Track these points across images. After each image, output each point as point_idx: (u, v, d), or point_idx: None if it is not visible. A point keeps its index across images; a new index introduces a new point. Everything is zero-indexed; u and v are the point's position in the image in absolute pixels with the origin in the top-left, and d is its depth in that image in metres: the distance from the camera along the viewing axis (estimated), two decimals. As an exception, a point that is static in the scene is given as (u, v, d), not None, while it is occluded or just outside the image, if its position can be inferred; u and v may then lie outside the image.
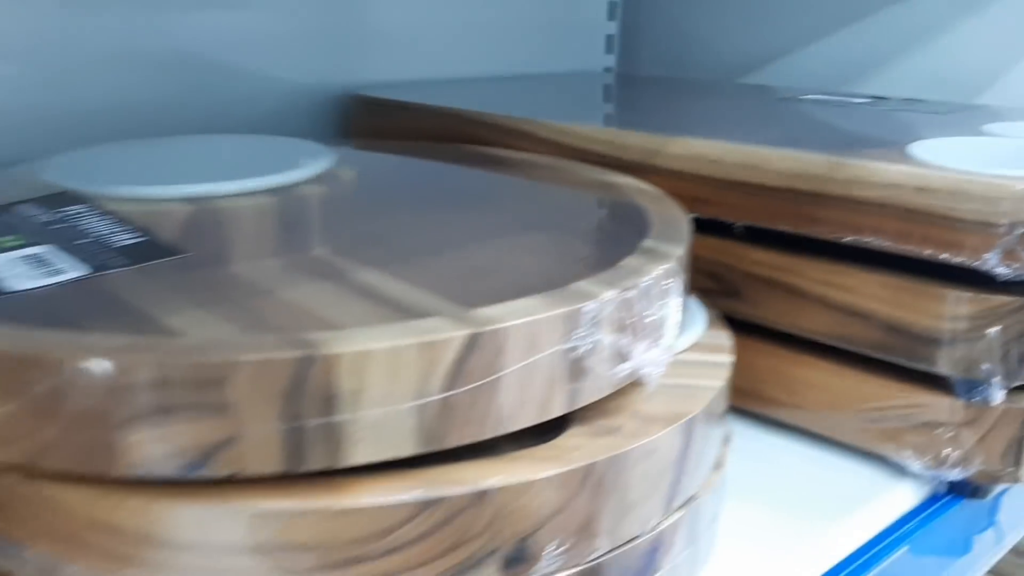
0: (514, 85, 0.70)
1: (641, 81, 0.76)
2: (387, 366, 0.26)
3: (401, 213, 0.40)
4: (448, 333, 0.26)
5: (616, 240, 0.35)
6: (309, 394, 0.25)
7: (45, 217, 0.35)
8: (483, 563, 0.27)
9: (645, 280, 0.31)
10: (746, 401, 0.45)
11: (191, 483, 0.26)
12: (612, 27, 0.84)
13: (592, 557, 0.29)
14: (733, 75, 0.79)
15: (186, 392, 0.25)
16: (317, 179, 0.43)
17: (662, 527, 0.31)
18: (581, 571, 0.29)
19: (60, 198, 0.37)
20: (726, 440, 0.37)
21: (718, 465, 0.35)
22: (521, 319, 0.27)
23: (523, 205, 0.42)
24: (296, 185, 0.42)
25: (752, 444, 0.44)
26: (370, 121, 0.61)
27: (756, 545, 0.37)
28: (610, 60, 0.84)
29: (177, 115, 0.58)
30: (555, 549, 0.28)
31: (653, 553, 0.31)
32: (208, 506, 0.25)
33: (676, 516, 0.32)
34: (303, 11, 0.64)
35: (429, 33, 0.71)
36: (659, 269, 0.32)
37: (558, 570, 0.29)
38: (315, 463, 0.26)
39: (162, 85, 0.57)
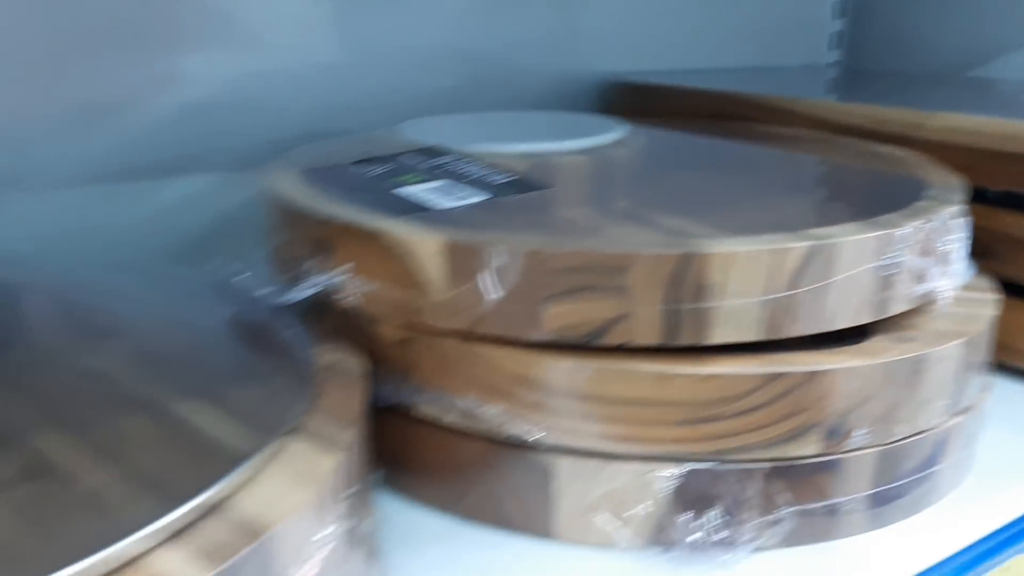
0: (751, 74, 0.76)
1: (871, 73, 0.80)
2: (746, 266, 0.33)
3: (690, 173, 0.47)
4: (794, 244, 0.33)
5: (900, 192, 0.41)
6: (687, 284, 0.33)
7: (427, 163, 0.44)
8: (808, 433, 0.34)
9: (939, 216, 0.37)
10: (997, 353, 0.49)
11: (591, 348, 0.34)
12: (837, 24, 0.89)
13: (891, 440, 0.36)
14: (954, 70, 0.83)
15: (595, 277, 0.33)
16: (617, 144, 0.51)
17: (946, 426, 0.37)
18: (882, 451, 0.36)
19: (431, 151, 0.46)
20: (990, 370, 0.42)
21: (985, 387, 0.41)
22: (848, 237, 0.34)
23: (802, 169, 0.49)
24: (602, 148, 0.50)
25: (1001, 389, 0.49)
26: (630, 102, 0.69)
27: (1008, 466, 0.42)
28: (833, 56, 0.89)
29: (474, 97, 0.67)
30: (864, 429, 0.35)
31: (937, 448, 0.37)
32: (604, 367, 0.33)
33: (956, 420, 0.38)
34: (565, 13, 0.72)
35: (668, 29, 0.78)
36: (948, 209, 0.38)
37: (864, 447, 0.35)
38: (684, 339, 0.33)
39: (461, 73, 0.67)
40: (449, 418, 0.36)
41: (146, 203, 0.56)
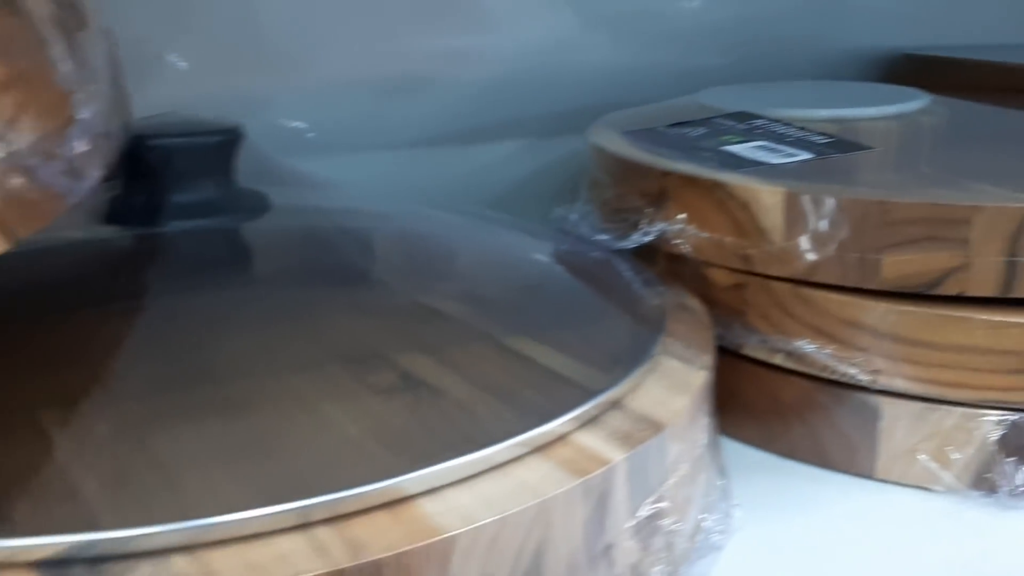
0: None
1: None
2: (1091, 222, 0.34)
3: (997, 143, 0.47)
4: None
5: None
6: (1029, 237, 0.34)
7: (742, 126, 0.47)
8: None
9: None
10: None
11: (924, 296, 0.35)
12: None
13: None
14: None
15: (938, 228, 0.34)
16: (922, 112, 0.52)
17: None
18: None
19: (740, 115, 0.49)
20: None
21: None
22: None
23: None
24: (908, 115, 0.51)
25: None
26: (914, 74, 0.68)
27: None
28: None
29: (744, 69, 0.69)
30: None
31: None
32: (940, 314, 0.35)
33: None
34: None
35: (939, 3, 0.77)
36: None
37: None
38: (1020, 291, 0.35)
39: (731, 47, 0.69)
40: (776, 359, 0.38)
41: (458, 166, 0.62)
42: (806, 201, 0.36)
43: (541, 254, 0.42)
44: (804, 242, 0.36)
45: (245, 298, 0.36)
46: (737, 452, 0.40)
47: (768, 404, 0.39)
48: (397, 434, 0.27)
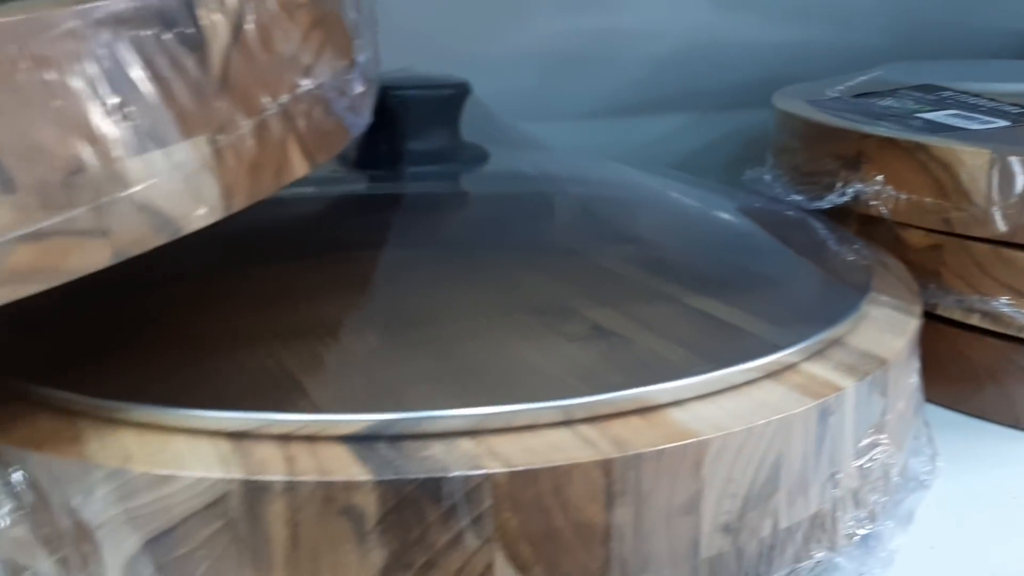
0: None
1: None
2: None
3: None
4: None
5: None
6: None
7: (930, 97, 0.48)
8: None
9: None
10: None
11: None
12: None
13: None
14: None
15: None
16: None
17: None
18: None
19: (926, 88, 0.50)
20: None
21: None
22: None
23: None
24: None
25: None
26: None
27: None
28: None
29: (917, 50, 0.69)
30: None
31: None
32: None
33: None
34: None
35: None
36: None
37: None
38: None
39: (897, 26, 0.69)
40: (972, 319, 0.39)
41: (629, 138, 0.64)
42: (1011, 163, 0.37)
43: (744, 214, 0.44)
44: (1007, 203, 0.37)
45: (449, 249, 0.38)
46: (928, 411, 0.41)
47: (960, 364, 0.40)
48: (595, 374, 0.28)
